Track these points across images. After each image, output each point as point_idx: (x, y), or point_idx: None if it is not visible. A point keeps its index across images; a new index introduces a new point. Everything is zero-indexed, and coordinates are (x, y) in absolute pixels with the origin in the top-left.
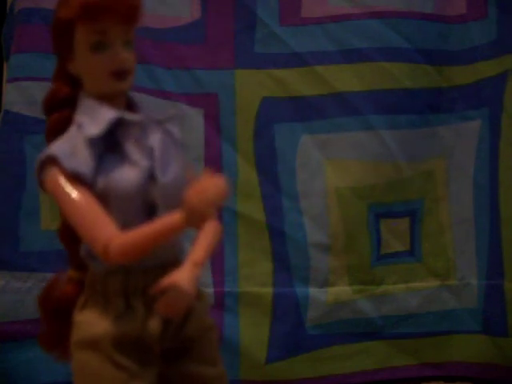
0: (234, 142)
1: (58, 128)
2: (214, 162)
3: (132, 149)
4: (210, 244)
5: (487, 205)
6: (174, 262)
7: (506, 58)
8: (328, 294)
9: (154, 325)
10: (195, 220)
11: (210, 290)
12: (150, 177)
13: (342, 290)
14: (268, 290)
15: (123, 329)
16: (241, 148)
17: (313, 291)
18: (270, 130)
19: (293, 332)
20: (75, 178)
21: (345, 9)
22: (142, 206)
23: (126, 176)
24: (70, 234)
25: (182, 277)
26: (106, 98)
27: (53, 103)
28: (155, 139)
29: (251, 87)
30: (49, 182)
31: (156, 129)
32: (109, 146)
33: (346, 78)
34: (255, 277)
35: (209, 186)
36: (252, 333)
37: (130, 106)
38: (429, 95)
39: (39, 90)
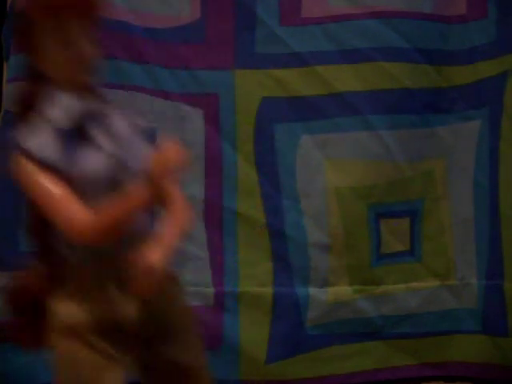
0: (234, 142)
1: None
2: (214, 161)
3: (99, 136)
4: (180, 224)
5: (487, 205)
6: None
7: (506, 58)
8: (328, 294)
9: (130, 308)
10: (156, 187)
11: (210, 290)
12: (117, 161)
13: (342, 290)
14: (268, 290)
15: (99, 313)
16: (241, 148)
17: (313, 291)
18: (270, 130)
19: (293, 332)
20: (44, 166)
21: (345, 9)
22: (109, 188)
23: (95, 161)
24: (38, 227)
25: (152, 256)
26: (74, 90)
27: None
28: (120, 126)
29: (251, 87)
30: (17, 171)
31: (121, 118)
32: (77, 134)
33: (346, 78)
34: (255, 277)
35: (166, 151)
36: (252, 333)
37: (97, 97)
38: (429, 95)
39: None
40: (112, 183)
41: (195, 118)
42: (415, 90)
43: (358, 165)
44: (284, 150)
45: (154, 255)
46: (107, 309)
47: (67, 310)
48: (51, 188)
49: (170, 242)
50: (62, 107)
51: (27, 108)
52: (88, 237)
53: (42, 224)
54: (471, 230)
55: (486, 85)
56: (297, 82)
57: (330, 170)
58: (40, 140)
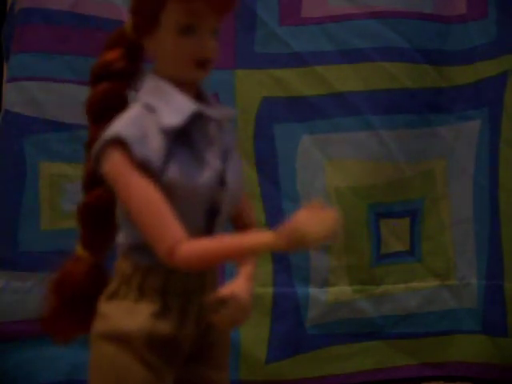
0: None
1: (102, 100)
2: None
3: (206, 147)
4: (256, 258)
5: (487, 205)
6: (211, 269)
7: (506, 58)
8: (328, 294)
9: (189, 328)
10: (295, 246)
11: None
12: (219, 180)
13: (342, 290)
14: (268, 290)
15: (158, 328)
16: (241, 148)
17: (313, 291)
18: (270, 130)
19: (293, 332)
20: (144, 167)
21: (345, 9)
22: (204, 208)
23: (199, 175)
24: (95, 214)
25: (241, 289)
26: (179, 84)
27: (104, 72)
28: (229, 140)
29: (251, 87)
30: (112, 166)
31: (229, 129)
32: (180, 138)
33: (345, 78)
34: (255, 277)
35: (325, 217)
36: (252, 333)
37: (200, 99)
38: (429, 95)
39: (39, 90)
40: (207, 203)
41: None
42: (415, 89)
43: (358, 165)
44: (284, 150)
45: (241, 287)
46: (167, 325)
47: (124, 316)
48: (149, 195)
49: (252, 275)
50: (170, 102)
51: (106, 85)
52: (177, 260)
53: (98, 211)
54: (471, 230)
55: (486, 85)
56: (297, 82)
57: (330, 170)
58: (142, 134)
